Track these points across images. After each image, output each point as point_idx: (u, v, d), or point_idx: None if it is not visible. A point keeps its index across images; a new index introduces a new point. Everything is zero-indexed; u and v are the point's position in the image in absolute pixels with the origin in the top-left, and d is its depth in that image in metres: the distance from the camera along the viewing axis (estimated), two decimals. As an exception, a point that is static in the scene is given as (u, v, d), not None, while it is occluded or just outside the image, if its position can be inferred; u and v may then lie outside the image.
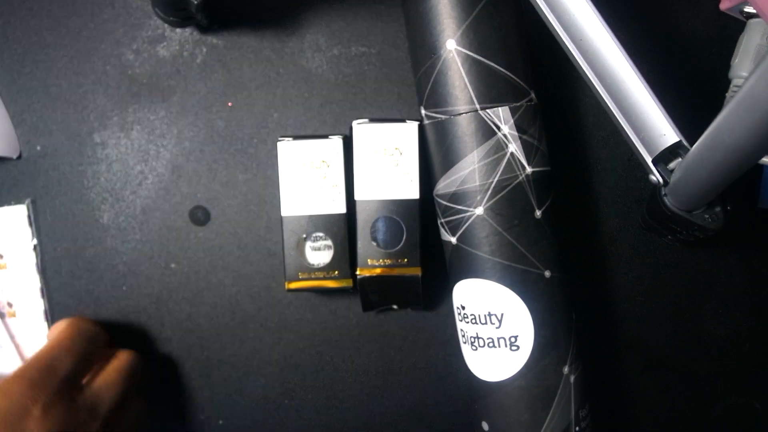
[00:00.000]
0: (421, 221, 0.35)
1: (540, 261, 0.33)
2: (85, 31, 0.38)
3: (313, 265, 0.36)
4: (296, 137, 0.36)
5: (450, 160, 0.33)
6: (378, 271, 0.35)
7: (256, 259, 0.39)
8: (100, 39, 0.38)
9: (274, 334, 0.40)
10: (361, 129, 0.35)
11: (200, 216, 0.39)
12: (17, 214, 0.38)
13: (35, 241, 0.38)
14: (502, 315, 0.32)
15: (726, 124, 0.24)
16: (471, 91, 0.32)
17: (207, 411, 0.40)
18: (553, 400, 0.33)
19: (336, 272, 0.36)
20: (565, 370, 0.33)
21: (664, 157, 0.31)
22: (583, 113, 0.39)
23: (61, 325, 0.37)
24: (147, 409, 0.38)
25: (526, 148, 0.32)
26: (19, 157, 0.39)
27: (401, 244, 0.35)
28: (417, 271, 0.35)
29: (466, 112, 0.32)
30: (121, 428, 0.35)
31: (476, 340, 0.33)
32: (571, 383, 0.33)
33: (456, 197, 0.33)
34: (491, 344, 0.33)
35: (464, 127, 0.32)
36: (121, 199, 0.39)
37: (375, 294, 0.36)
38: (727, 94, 0.37)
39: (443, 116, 0.33)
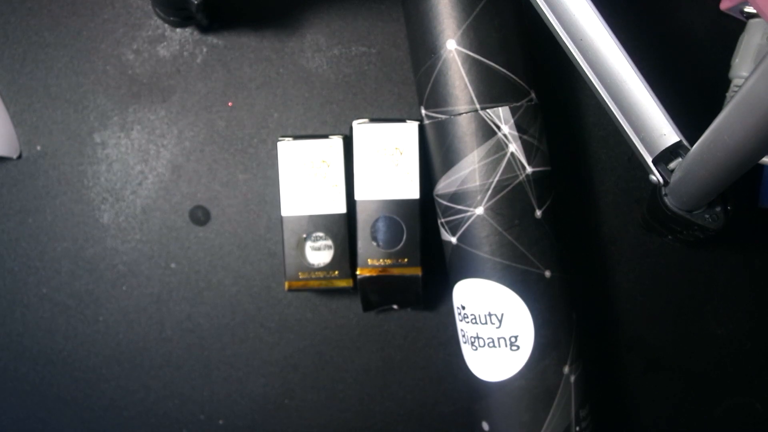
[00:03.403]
0: (421, 221, 0.35)
1: (540, 261, 0.32)
2: (85, 31, 0.38)
3: (313, 265, 0.36)
4: (296, 137, 0.36)
5: (450, 160, 0.33)
6: (378, 271, 0.35)
7: (256, 259, 0.39)
8: (100, 39, 0.38)
9: (274, 334, 0.40)
10: (361, 129, 0.35)
11: (200, 216, 0.39)
12: None
13: None
14: (502, 315, 0.32)
15: (726, 124, 0.24)
16: (471, 91, 0.32)
17: (207, 411, 0.40)
18: (553, 400, 0.33)
19: (336, 272, 0.36)
20: (566, 370, 0.33)
21: (664, 157, 0.31)
22: (583, 113, 0.39)
23: None
24: None
25: (527, 147, 0.32)
26: (19, 157, 0.39)
27: (401, 244, 0.35)
28: (417, 271, 0.35)
29: (466, 112, 0.32)
30: None
31: (476, 340, 0.33)
32: (572, 383, 0.33)
33: (456, 197, 0.33)
34: (491, 344, 0.33)
35: (464, 127, 0.32)
36: (121, 199, 0.39)
37: (375, 294, 0.36)
38: (727, 94, 0.37)
39: (443, 116, 0.33)
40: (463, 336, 0.35)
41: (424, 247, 0.36)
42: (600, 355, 0.40)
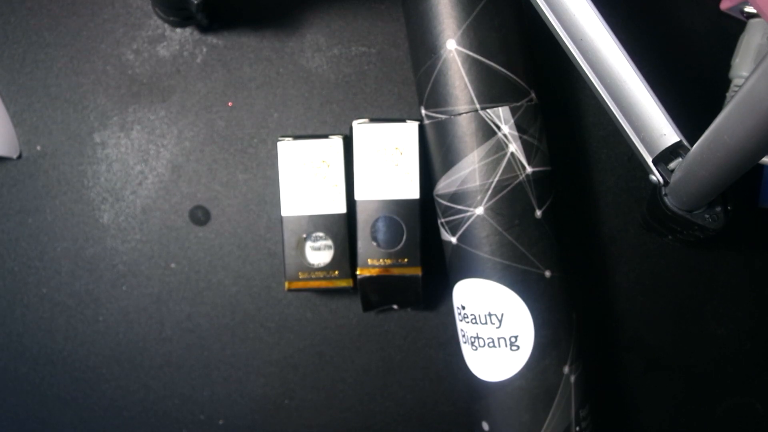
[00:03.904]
0: (421, 221, 0.35)
1: (540, 261, 0.32)
2: (85, 31, 0.38)
3: (313, 265, 0.36)
4: (296, 137, 0.36)
5: (450, 160, 0.33)
6: (378, 271, 0.35)
7: (256, 259, 0.39)
8: (100, 39, 0.38)
9: (274, 334, 0.40)
10: (361, 129, 0.35)
11: (200, 216, 0.39)
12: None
13: None
14: (502, 315, 0.32)
15: (726, 124, 0.24)
16: (471, 91, 0.32)
17: (207, 411, 0.40)
18: (553, 400, 0.33)
19: (336, 272, 0.36)
20: (566, 370, 0.33)
21: (664, 157, 0.31)
22: (583, 113, 0.39)
23: None
24: None
25: (527, 147, 0.32)
26: (19, 157, 0.39)
27: (401, 244, 0.35)
28: (417, 271, 0.35)
29: (466, 112, 0.32)
30: None
31: (476, 340, 0.33)
32: (572, 383, 0.33)
33: (456, 197, 0.33)
34: (491, 344, 0.33)
35: (464, 127, 0.32)
36: (121, 199, 0.39)
37: (375, 294, 0.36)
38: (727, 94, 0.37)
39: (443, 116, 0.33)
40: (463, 336, 0.35)
41: (424, 247, 0.36)
42: (600, 355, 0.40)
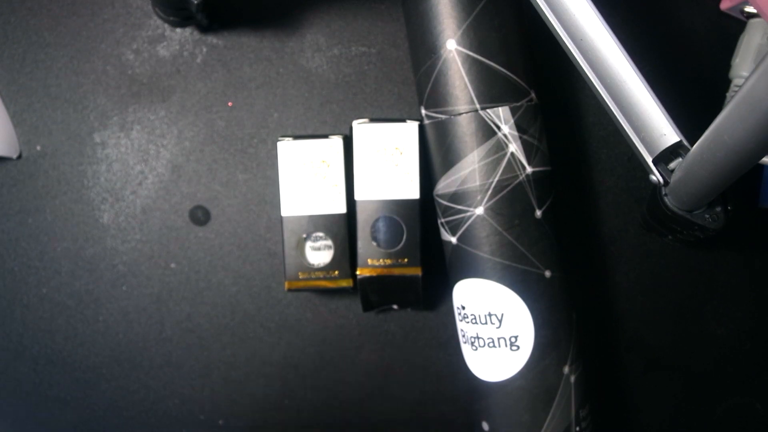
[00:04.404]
0: (421, 221, 0.35)
1: (540, 261, 0.32)
2: (85, 31, 0.38)
3: (313, 265, 0.36)
4: (296, 137, 0.36)
5: (450, 160, 0.33)
6: (378, 271, 0.35)
7: (256, 259, 0.39)
8: (100, 39, 0.38)
9: (274, 334, 0.40)
10: (361, 129, 0.35)
11: (200, 216, 0.39)
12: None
13: None
14: (502, 315, 0.32)
15: (726, 124, 0.24)
16: (471, 91, 0.32)
17: (207, 411, 0.40)
18: (553, 401, 0.33)
19: (336, 272, 0.36)
20: (566, 370, 0.33)
21: (664, 157, 0.31)
22: (583, 113, 0.39)
23: None
24: None
25: (527, 147, 0.32)
26: (19, 157, 0.39)
27: (401, 244, 0.35)
28: (417, 271, 0.35)
29: (466, 112, 0.32)
30: None
31: (476, 340, 0.33)
32: (572, 383, 0.33)
33: (456, 197, 0.33)
34: (491, 344, 0.33)
35: (464, 127, 0.32)
36: (121, 199, 0.39)
37: (375, 294, 0.36)
38: (727, 94, 0.37)
39: (443, 116, 0.33)
40: (463, 336, 0.35)
41: (424, 247, 0.36)
42: (600, 355, 0.40)
